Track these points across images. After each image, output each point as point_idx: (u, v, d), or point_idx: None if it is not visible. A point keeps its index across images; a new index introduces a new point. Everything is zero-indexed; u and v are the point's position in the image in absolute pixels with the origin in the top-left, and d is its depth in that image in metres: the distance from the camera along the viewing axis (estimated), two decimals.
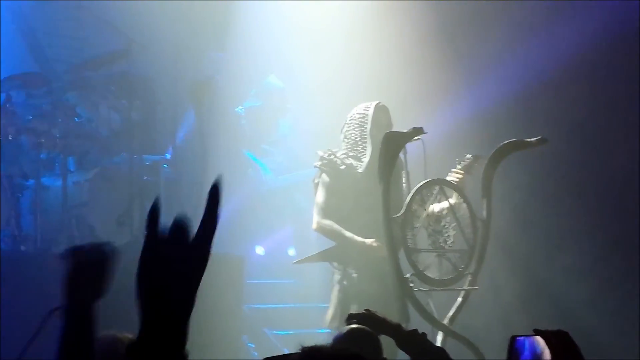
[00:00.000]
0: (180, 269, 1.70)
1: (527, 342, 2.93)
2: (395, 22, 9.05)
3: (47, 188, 8.20)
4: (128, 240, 8.11)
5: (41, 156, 8.18)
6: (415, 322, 6.20)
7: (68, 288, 2.47)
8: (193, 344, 1.75)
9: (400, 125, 6.58)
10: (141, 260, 1.70)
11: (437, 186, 6.42)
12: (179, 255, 1.70)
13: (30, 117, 8.23)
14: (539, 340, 2.88)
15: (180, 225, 1.72)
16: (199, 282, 1.71)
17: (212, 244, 1.71)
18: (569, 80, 8.73)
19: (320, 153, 6.50)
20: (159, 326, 1.69)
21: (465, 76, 8.85)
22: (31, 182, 8.11)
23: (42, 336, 2.88)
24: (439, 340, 6.30)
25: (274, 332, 8.59)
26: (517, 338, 2.94)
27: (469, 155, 6.64)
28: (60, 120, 8.28)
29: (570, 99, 8.63)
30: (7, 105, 8.17)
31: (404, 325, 6.06)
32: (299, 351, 2.58)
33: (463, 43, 9.04)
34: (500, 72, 8.80)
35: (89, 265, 2.49)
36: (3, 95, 8.22)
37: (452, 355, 6.43)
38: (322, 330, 7.05)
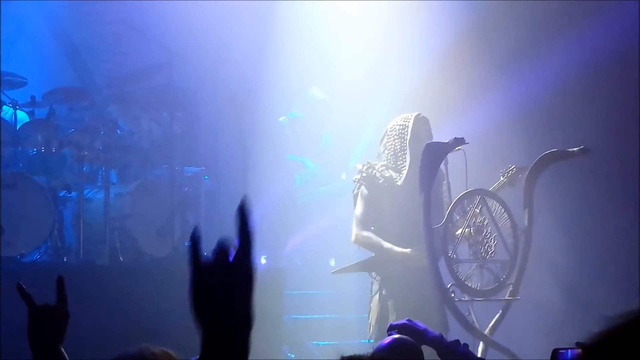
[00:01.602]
0: (230, 288, 1.72)
1: (569, 355, 2.91)
2: (432, 33, 9.09)
3: (90, 200, 8.27)
4: (169, 252, 8.23)
5: (84, 169, 8.25)
6: (456, 332, 6.21)
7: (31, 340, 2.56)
8: None
9: (440, 134, 6.62)
10: (192, 288, 1.72)
11: (478, 196, 6.44)
12: (226, 276, 1.72)
13: (73, 130, 8.29)
14: (582, 353, 2.85)
15: (221, 249, 1.73)
16: (251, 295, 1.72)
17: (252, 257, 1.72)
18: (612, 79, 8.60)
19: (359, 167, 6.53)
20: (222, 345, 1.71)
21: (502, 80, 8.85)
22: (74, 194, 8.18)
23: None
24: (479, 350, 6.32)
25: (314, 342, 8.61)
26: (560, 351, 2.92)
27: (512, 167, 6.67)
28: (102, 133, 8.37)
29: (617, 100, 8.52)
30: (51, 119, 8.26)
31: (444, 335, 6.08)
32: None
33: (498, 50, 9.03)
34: (538, 73, 8.77)
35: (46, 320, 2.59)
36: (46, 109, 8.32)
37: None
38: (364, 341, 7.07)
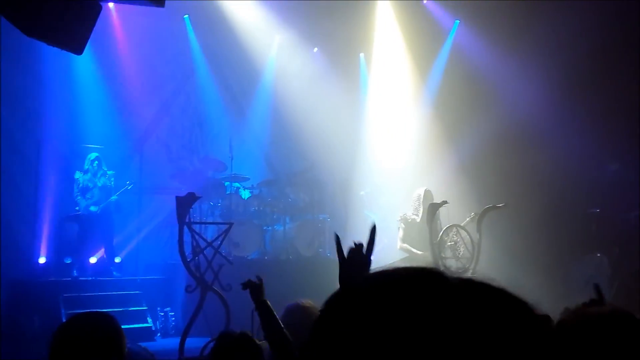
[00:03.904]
0: (359, 266, 1.62)
1: None
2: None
3: (276, 230, 8.31)
4: (313, 254, 8.18)
5: (274, 216, 8.33)
6: None
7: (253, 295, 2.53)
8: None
9: (438, 194, 6.57)
10: (340, 264, 1.65)
11: (455, 227, 6.40)
12: (360, 260, 1.63)
13: (270, 199, 8.43)
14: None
15: (359, 245, 1.67)
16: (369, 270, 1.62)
17: (372, 255, 1.64)
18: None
19: (400, 214, 6.55)
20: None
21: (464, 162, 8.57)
22: (270, 228, 8.25)
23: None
24: None
25: None
26: None
27: (472, 213, 6.58)
28: (282, 199, 8.46)
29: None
30: (260, 194, 8.46)
31: None
32: None
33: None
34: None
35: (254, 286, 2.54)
36: (258, 190, 8.52)
37: None
38: None
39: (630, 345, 1.12)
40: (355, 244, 1.61)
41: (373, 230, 1.63)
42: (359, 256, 1.62)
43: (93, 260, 7.65)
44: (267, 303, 2.48)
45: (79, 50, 2.77)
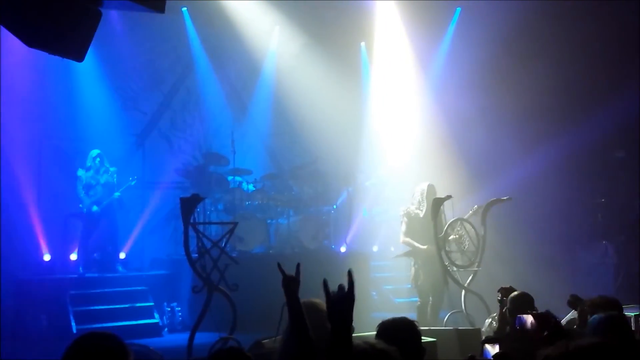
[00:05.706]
0: (344, 306, 1.78)
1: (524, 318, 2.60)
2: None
3: (281, 223, 8.31)
4: (317, 246, 8.19)
5: (278, 209, 8.32)
6: (450, 286, 6.09)
7: (285, 289, 2.48)
8: None
9: (441, 188, 6.50)
10: (328, 305, 1.79)
11: (459, 221, 6.39)
12: (344, 301, 1.79)
13: (273, 193, 8.41)
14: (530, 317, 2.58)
15: (342, 288, 1.80)
16: (352, 309, 1.79)
17: (354, 296, 1.78)
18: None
19: (402, 208, 6.50)
20: (340, 330, 1.77)
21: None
22: (274, 221, 8.24)
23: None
24: (462, 295, 6.16)
25: (386, 287, 8.36)
26: (519, 315, 2.62)
27: (475, 206, 6.55)
28: (285, 193, 8.46)
29: None
30: (263, 188, 8.43)
31: (444, 287, 5.89)
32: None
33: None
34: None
35: (292, 281, 2.49)
36: (261, 184, 8.51)
37: (467, 305, 6.02)
38: (408, 285, 6.87)
39: None
40: (342, 286, 1.80)
41: (350, 274, 1.81)
42: (343, 293, 1.79)
43: (98, 256, 7.68)
44: (299, 299, 2.46)
45: (79, 58, 2.76)
